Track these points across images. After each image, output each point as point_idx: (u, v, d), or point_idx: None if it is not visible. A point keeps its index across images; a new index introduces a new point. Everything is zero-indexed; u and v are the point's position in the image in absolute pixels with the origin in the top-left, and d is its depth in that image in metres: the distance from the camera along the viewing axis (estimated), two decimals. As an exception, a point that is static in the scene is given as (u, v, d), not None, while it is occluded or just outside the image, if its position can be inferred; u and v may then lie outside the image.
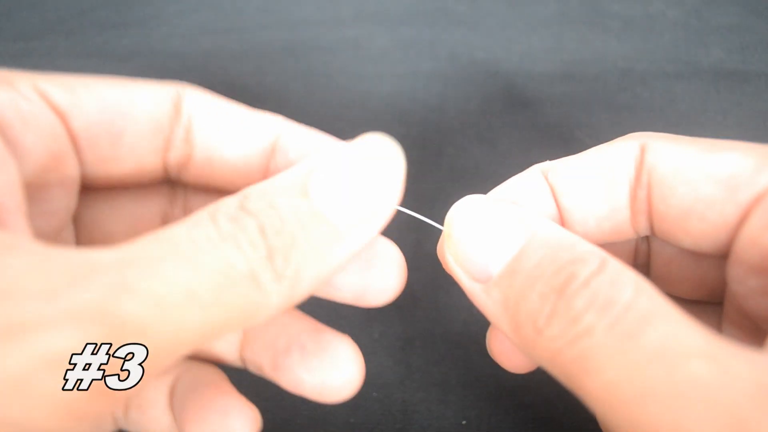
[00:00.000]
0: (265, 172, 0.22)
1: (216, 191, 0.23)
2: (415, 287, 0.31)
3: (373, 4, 0.40)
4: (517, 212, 0.19)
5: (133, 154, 0.20)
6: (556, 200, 0.21)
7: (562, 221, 0.21)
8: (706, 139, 0.20)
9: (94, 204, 0.22)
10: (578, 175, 0.21)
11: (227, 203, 0.16)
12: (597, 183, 0.20)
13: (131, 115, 0.20)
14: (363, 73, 0.38)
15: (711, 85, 0.36)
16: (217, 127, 0.21)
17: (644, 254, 0.23)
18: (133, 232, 0.22)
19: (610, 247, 0.23)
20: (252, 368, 0.23)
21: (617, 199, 0.20)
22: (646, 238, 0.23)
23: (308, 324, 0.22)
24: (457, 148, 0.35)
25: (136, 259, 0.14)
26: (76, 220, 0.22)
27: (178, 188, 0.24)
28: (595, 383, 0.15)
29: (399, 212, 0.22)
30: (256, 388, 0.29)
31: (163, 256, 0.14)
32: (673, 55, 0.37)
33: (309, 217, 0.17)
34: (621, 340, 0.15)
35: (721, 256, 0.20)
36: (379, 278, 0.21)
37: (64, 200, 0.20)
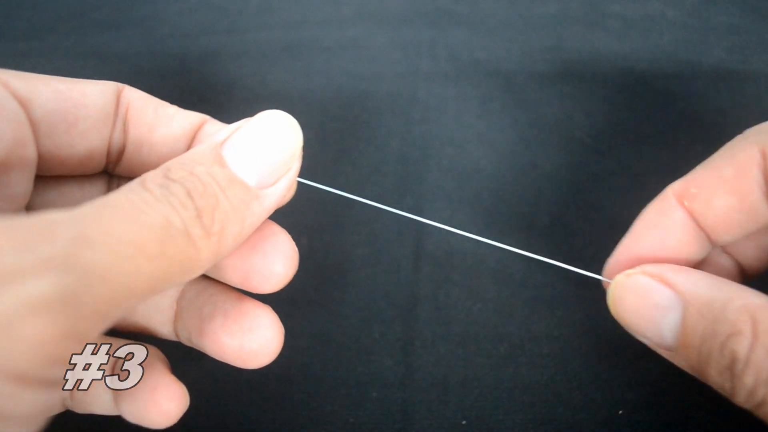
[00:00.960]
0: None
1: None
2: (415, 287, 0.31)
3: (373, 4, 0.40)
4: (662, 282, 0.21)
5: (84, 142, 0.22)
6: (698, 224, 0.23)
7: (709, 236, 0.23)
8: None
9: (43, 192, 0.23)
10: (711, 194, 0.22)
11: (153, 174, 0.18)
12: (730, 198, 0.22)
13: (83, 104, 0.22)
14: (363, 73, 0.38)
15: (711, 85, 0.36)
16: (146, 119, 0.23)
17: None
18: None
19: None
20: (184, 340, 0.24)
21: (752, 205, 0.22)
22: None
23: (233, 294, 0.24)
24: (457, 148, 0.35)
25: (88, 217, 0.16)
26: (28, 207, 0.23)
27: (114, 179, 0.25)
28: None
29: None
30: (256, 389, 0.29)
31: (111, 215, 0.16)
32: (673, 55, 0.37)
33: (226, 181, 0.19)
34: None
35: None
36: (265, 263, 0.22)
37: (22, 185, 0.21)
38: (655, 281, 0.21)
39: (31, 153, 0.21)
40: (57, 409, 0.23)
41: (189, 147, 0.24)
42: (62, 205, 0.23)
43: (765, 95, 0.35)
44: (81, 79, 0.23)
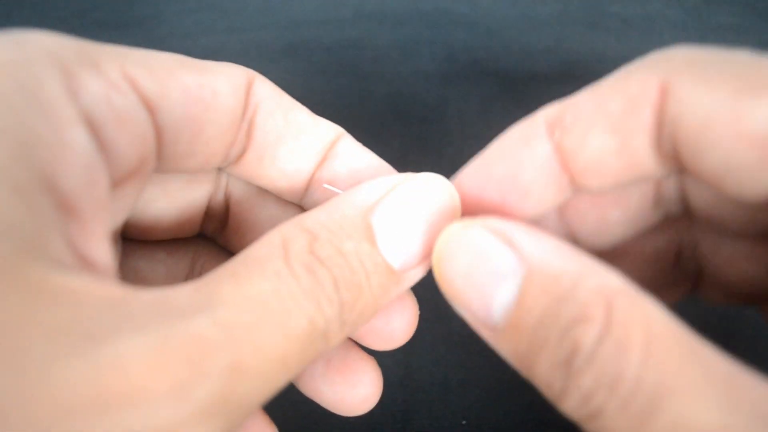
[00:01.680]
0: (310, 179, 0.21)
1: (255, 184, 0.22)
2: (415, 287, 0.31)
3: (373, 4, 0.40)
4: (505, 242, 0.16)
5: (208, 149, 0.19)
6: (564, 163, 0.18)
7: (574, 180, 0.18)
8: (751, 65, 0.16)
9: (149, 186, 0.21)
10: (589, 130, 0.17)
11: (296, 242, 0.16)
12: (611, 137, 0.17)
13: (213, 107, 0.18)
14: (363, 73, 0.38)
15: (711, 85, 0.36)
16: (275, 125, 0.20)
17: (675, 190, 0.20)
18: (182, 214, 0.21)
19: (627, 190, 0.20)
20: None
21: (635, 151, 0.17)
22: (678, 177, 0.20)
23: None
24: (457, 148, 0.35)
25: (236, 328, 0.14)
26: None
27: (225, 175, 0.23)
28: None
29: None
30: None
31: (260, 323, 0.14)
32: (673, 55, 0.37)
33: (373, 266, 0.17)
34: (633, 423, 0.14)
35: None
36: (388, 325, 0.21)
37: (134, 197, 0.18)
38: (498, 240, 0.16)
39: (150, 164, 0.18)
40: None
41: (317, 160, 0.21)
42: (165, 199, 0.21)
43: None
44: (211, 67, 0.19)
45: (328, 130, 0.21)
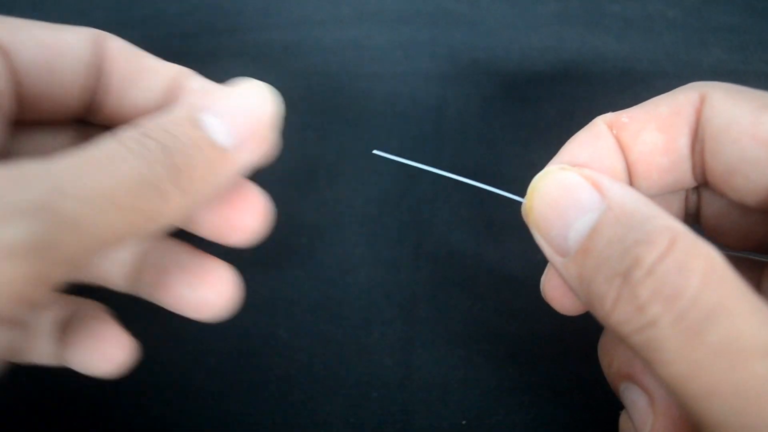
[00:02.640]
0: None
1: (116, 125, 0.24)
2: (415, 287, 0.31)
3: (373, 4, 0.40)
4: (592, 184, 0.19)
5: (62, 91, 0.22)
6: (623, 154, 0.21)
7: (630, 174, 0.22)
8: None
9: (17, 138, 0.23)
10: (642, 128, 0.21)
11: (128, 131, 0.19)
12: (660, 135, 0.21)
13: (64, 53, 0.22)
14: (363, 73, 0.38)
15: (711, 85, 0.36)
16: (128, 70, 0.23)
17: (695, 203, 0.24)
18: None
19: (664, 197, 0.23)
20: (141, 293, 0.25)
21: (679, 150, 0.21)
22: (697, 187, 0.23)
23: (194, 251, 0.25)
24: (457, 148, 0.35)
25: (63, 169, 0.16)
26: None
27: (88, 127, 0.25)
28: (662, 373, 0.16)
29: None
30: (256, 390, 0.29)
31: (85, 166, 0.17)
32: (673, 55, 0.37)
33: (200, 141, 0.20)
34: (686, 335, 0.15)
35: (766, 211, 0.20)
36: (239, 216, 0.23)
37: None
38: (584, 180, 0.19)
39: (7, 103, 0.21)
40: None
41: (170, 101, 0.24)
42: (33, 150, 0.24)
43: (765, 95, 0.35)
44: (60, 26, 0.23)
45: (177, 69, 0.24)
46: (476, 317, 0.30)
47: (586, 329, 0.30)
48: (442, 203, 0.33)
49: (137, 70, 0.23)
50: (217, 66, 0.38)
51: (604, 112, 0.36)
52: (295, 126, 0.36)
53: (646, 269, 0.16)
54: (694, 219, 0.24)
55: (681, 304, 0.15)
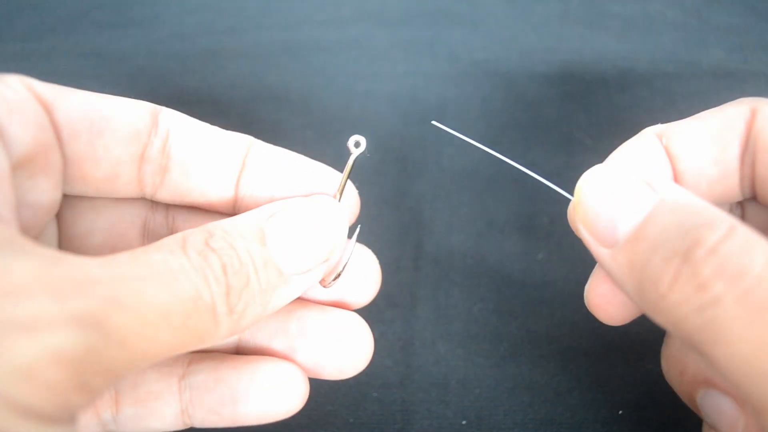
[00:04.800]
0: (237, 186, 0.23)
1: (190, 206, 0.24)
2: (415, 287, 0.31)
3: (373, 4, 0.40)
4: (645, 178, 0.19)
5: (110, 155, 0.21)
6: (672, 164, 0.21)
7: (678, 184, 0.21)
8: None
9: (77, 204, 0.23)
10: (692, 139, 0.21)
11: (194, 236, 0.18)
12: (710, 146, 0.21)
13: (111, 118, 0.21)
14: (363, 73, 0.38)
15: (711, 85, 0.36)
16: (192, 143, 0.22)
17: (737, 217, 0.23)
18: (114, 235, 0.24)
19: None
20: (251, 352, 0.24)
21: (728, 162, 0.21)
22: (740, 203, 0.23)
23: (313, 307, 0.24)
24: (457, 148, 0.35)
25: (124, 277, 0.16)
26: (60, 219, 0.23)
27: (157, 206, 0.25)
28: (725, 354, 0.15)
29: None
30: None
31: (145, 277, 0.16)
32: (673, 55, 0.37)
33: (262, 262, 0.19)
34: (753, 312, 0.15)
35: None
36: (358, 286, 0.23)
37: (49, 192, 0.21)
38: (638, 177, 0.19)
39: (55, 159, 0.21)
40: None
41: (237, 169, 0.23)
42: (95, 219, 0.24)
43: (765, 95, 0.35)
44: (113, 96, 0.22)
45: (241, 138, 0.23)
46: (476, 317, 0.30)
47: (586, 329, 0.30)
48: (442, 203, 0.33)
49: (204, 142, 0.23)
50: (217, 66, 0.38)
51: (604, 112, 0.36)
52: (295, 126, 0.36)
53: (708, 248, 0.16)
54: None
55: (747, 282, 0.15)
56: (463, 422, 0.28)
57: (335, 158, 0.35)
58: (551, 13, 0.39)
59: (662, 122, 0.35)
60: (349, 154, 0.23)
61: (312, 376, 0.23)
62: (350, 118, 0.36)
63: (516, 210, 0.33)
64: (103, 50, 0.39)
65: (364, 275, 0.23)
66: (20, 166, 0.19)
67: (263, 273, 0.19)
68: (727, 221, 0.16)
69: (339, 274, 0.23)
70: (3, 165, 0.18)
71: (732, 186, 0.21)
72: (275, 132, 0.36)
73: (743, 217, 0.23)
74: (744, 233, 0.16)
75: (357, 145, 0.23)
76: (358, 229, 0.24)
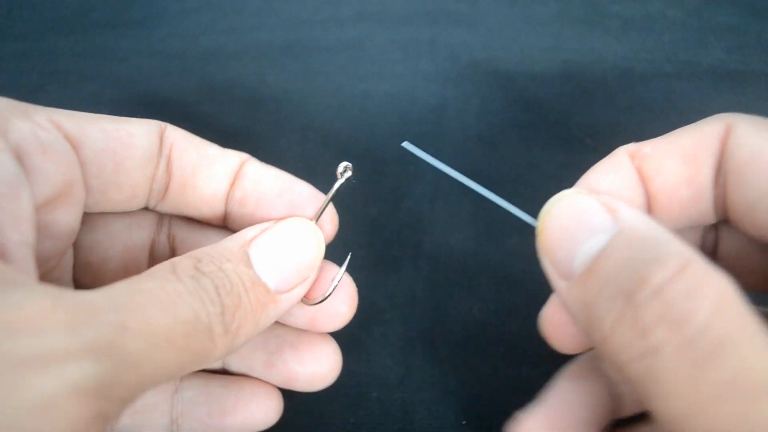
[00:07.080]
0: (226, 200, 0.25)
1: (188, 218, 0.26)
2: (415, 287, 0.31)
3: (373, 4, 0.40)
4: (610, 205, 0.18)
5: (130, 180, 0.23)
6: (644, 186, 0.21)
7: (650, 206, 0.21)
8: None
9: (91, 228, 0.24)
10: (665, 158, 0.20)
11: (183, 263, 0.19)
12: (683, 167, 0.20)
13: (130, 144, 0.22)
14: (363, 73, 0.38)
15: (711, 85, 0.36)
16: (190, 160, 0.24)
17: (711, 241, 0.23)
18: (126, 256, 0.25)
19: (680, 234, 0.22)
20: (236, 369, 0.26)
21: (701, 183, 0.20)
22: (714, 225, 0.22)
23: (295, 330, 0.25)
24: (457, 148, 0.35)
25: (126, 305, 0.17)
26: (75, 243, 0.24)
27: (162, 215, 0.26)
28: (662, 408, 0.14)
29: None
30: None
31: (146, 303, 0.17)
32: (673, 55, 0.37)
33: (250, 282, 0.20)
34: (692, 367, 0.14)
35: None
36: (332, 306, 0.24)
37: (70, 224, 0.22)
38: (598, 204, 0.18)
39: (78, 192, 0.21)
40: None
41: (230, 189, 0.24)
42: (109, 242, 0.25)
43: (765, 95, 0.35)
44: (126, 118, 0.23)
45: (235, 156, 0.24)
46: (476, 317, 0.30)
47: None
48: (442, 203, 0.33)
49: (200, 160, 0.24)
50: (217, 66, 0.38)
51: (604, 112, 0.36)
52: (295, 126, 0.36)
53: (652, 290, 0.15)
54: (710, 258, 0.23)
55: (688, 331, 0.14)
56: (463, 422, 0.28)
57: (335, 158, 0.35)
58: (551, 13, 0.39)
59: (661, 122, 0.35)
60: (336, 179, 0.24)
61: (286, 388, 0.26)
62: (350, 118, 0.36)
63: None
64: (103, 50, 0.39)
65: (339, 304, 0.25)
66: (46, 203, 0.20)
67: (252, 292, 0.20)
68: (680, 258, 0.15)
69: (327, 296, 0.24)
70: (27, 205, 0.18)
71: (706, 208, 0.20)
72: (275, 132, 0.36)
73: (717, 241, 0.22)
74: (696, 271, 0.15)
75: (345, 171, 0.24)
76: (348, 257, 0.25)
